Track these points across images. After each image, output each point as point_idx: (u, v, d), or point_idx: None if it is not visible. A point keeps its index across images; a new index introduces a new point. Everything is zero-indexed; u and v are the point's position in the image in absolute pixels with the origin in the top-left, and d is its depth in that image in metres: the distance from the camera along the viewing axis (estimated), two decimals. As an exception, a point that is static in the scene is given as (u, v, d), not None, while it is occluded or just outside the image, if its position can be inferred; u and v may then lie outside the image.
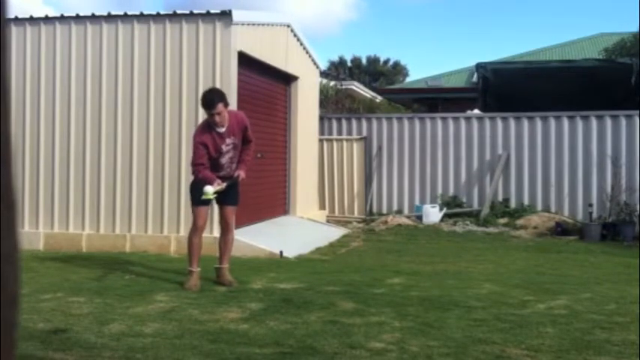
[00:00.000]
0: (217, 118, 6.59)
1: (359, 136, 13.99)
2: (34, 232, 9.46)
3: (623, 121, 12.74)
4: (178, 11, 9.27)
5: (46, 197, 9.56)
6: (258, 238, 9.26)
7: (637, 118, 12.65)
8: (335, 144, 14.03)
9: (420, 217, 12.98)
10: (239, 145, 6.87)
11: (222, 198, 6.90)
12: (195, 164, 6.71)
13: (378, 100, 21.77)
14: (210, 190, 6.57)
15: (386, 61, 53.52)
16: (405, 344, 4.62)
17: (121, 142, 9.35)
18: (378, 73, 50.14)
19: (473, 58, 77.89)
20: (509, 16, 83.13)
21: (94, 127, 9.44)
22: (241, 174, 6.87)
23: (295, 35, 11.88)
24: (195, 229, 6.93)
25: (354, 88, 20.28)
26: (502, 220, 12.75)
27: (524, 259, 9.04)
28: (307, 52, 12.56)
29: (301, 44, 12.21)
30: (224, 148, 6.75)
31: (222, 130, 6.71)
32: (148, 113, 9.28)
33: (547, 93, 15.65)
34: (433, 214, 12.91)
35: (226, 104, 6.70)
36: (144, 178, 9.27)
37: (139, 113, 9.31)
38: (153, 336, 4.79)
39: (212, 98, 6.62)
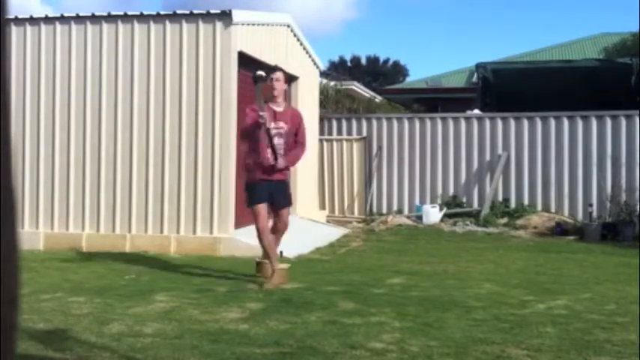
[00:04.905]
0: (275, 84, 6.84)
1: (359, 136, 13.98)
2: (34, 232, 9.45)
3: (623, 121, 12.74)
4: (178, 11, 9.27)
5: (46, 197, 9.55)
6: (258, 238, 9.23)
7: (637, 118, 12.65)
8: (335, 144, 14.03)
9: (420, 217, 12.98)
10: (289, 137, 6.91)
11: (276, 199, 6.90)
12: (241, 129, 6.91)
13: (377, 100, 21.76)
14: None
15: (385, 61, 53.58)
16: (405, 344, 4.61)
17: (121, 142, 9.35)
18: (377, 73, 50.14)
19: (473, 58, 77.98)
20: (509, 16, 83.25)
21: (94, 127, 9.44)
22: (280, 162, 6.79)
23: (295, 35, 11.87)
24: (260, 232, 6.83)
25: (354, 88, 20.27)
26: (502, 220, 12.75)
27: (524, 259, 9.03)
28: (307, 52, 12.56)
29: (301, 44, 12.21)
30: (273, 125, 6.77)
31: (279, 109, 6.89)
32: (147, 113, 9.28)
33: (547, 93, 15.62)
34: (433, 214, 12.90)
35: (286, 80, 7.15)
36: (144, 178, 9.27)
37: (138, 113, 9.31)
38: (153, 336, 4.79)
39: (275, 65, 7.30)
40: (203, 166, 9.10)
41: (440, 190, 13.60)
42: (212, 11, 9.12)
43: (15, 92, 9.38)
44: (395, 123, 13.94)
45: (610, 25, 76.28)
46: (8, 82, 1.10)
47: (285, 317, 5.34)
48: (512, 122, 13.35)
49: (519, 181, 13.23)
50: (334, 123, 14.30)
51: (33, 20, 9.63)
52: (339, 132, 14.23)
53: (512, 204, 13.19)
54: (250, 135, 6.80)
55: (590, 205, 12.28)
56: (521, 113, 13.34)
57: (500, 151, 13.35)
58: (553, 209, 12.92)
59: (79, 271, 7.59)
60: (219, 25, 9.08)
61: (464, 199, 13.51)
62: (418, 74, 66.52)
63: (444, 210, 13.07)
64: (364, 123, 14.10)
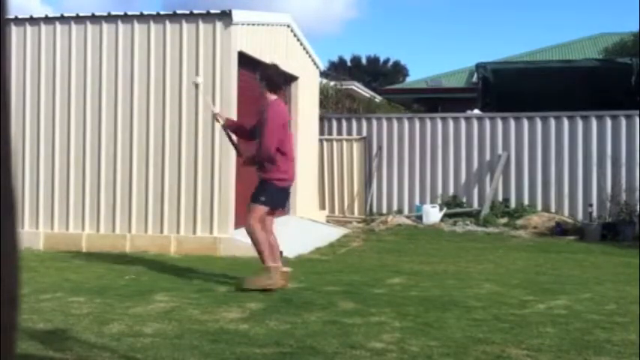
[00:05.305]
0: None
1: (359, 136, 13.99)
2: (34, 232, 9.45)
3: (623, 121, 12.74)
4: (178, 11, 9.27)
5: (46, 197, 9.55)
6: (258, 238, 9.23)
7: (637, 118, 12.65)
8: (335, 144, 14.03)
9: (420, 217, 12.98)
10: (259, 127, 6.67)
11: None
12: None
13: (377, 100, 21.76)
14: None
15: (386, 61, 53.57)
16: (405, 344, 4.62)
17: (121, 142, 9.35)
18: (377, 73, 50.14)
19: (473, 58, 77.98)
20: (509, 16, 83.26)
21: (94, 127, 9.44)
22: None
23: (295, 35, 11.87)
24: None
25: (354, 88, 20.26)
26: (502, 220, 12.75)
27: (524, 259, 9.04)
28: (307, 52, 12.56)
29: (301, 44, 12.21)
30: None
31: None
32: (147, 113, 9.28)
33: (547, 93, 15.62)
34: (433, 214, 12.90)
35: (261, 79, 6.73)
36: (144, 178, 9.27)
37: (138, 113, 9.31)
38: (153, 336, 4.79)
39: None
40: (203, 166, 9.10)
41: (440, 190, 13.61)
42: (212, 11, 9.11)
43: (15, 92, 9.38)
44: (395, 123, 13.94)
45: (610, 25, 76.32)
46: (8, 82, 1.10)
47: (285, 317, 5.34)
48: (512, 122, 13.35)
49: (519, 181, 13.23)
50: (334, 123, 14.31)
51: (33, 20, 9.63)
52: (339, 132, 14.23)
53: (512, 204, 13.19)
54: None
55: (590, 205, 12.29)
56: (521, 113, 13.34)
57: (500, 151, 13.35)
58: (553, 209, 12.92)
59: (79, 271, 7.59)
60: (219, 25, 9.08)
61: (464, 199, 13.51)
62: (418, 74, 66.60)
63: (444, 210, 13.07)
64: (364, 123, 14.10)
